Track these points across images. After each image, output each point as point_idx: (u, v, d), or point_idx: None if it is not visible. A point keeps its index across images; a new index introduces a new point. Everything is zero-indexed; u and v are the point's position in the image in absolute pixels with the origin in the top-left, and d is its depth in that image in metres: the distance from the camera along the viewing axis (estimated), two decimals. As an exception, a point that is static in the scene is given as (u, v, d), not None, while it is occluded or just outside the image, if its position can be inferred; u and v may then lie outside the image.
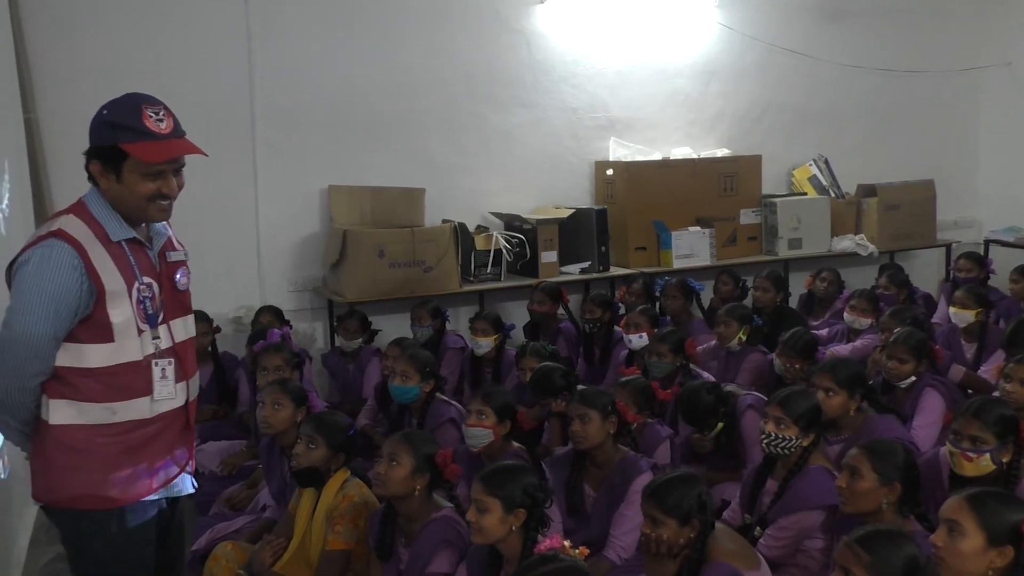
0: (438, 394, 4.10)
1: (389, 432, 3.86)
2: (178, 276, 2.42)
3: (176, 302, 2.41)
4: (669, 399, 3.96)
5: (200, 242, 5.36)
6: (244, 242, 5.57)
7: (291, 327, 5.13)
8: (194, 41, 5.29)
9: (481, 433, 3.46)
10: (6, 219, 3.86)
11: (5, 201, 3.90)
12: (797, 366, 4.16)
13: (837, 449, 3.47)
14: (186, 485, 2.50)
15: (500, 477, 2.65)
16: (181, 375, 2.38)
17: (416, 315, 5.24)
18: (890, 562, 2.17)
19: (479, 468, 3.19)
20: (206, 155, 2.28)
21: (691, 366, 4.39)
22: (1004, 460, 2.94)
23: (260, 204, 5.56)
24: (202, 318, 4.97)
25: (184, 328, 2.44)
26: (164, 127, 2.23)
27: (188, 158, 2.31)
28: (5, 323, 2.20)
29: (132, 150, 2.20)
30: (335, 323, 5.47)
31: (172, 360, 2.35)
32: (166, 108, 2.27)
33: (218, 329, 5.08)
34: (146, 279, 2.30)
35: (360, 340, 5.20)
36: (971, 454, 2.91)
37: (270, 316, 5.15)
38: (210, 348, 5.02)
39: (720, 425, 3.78)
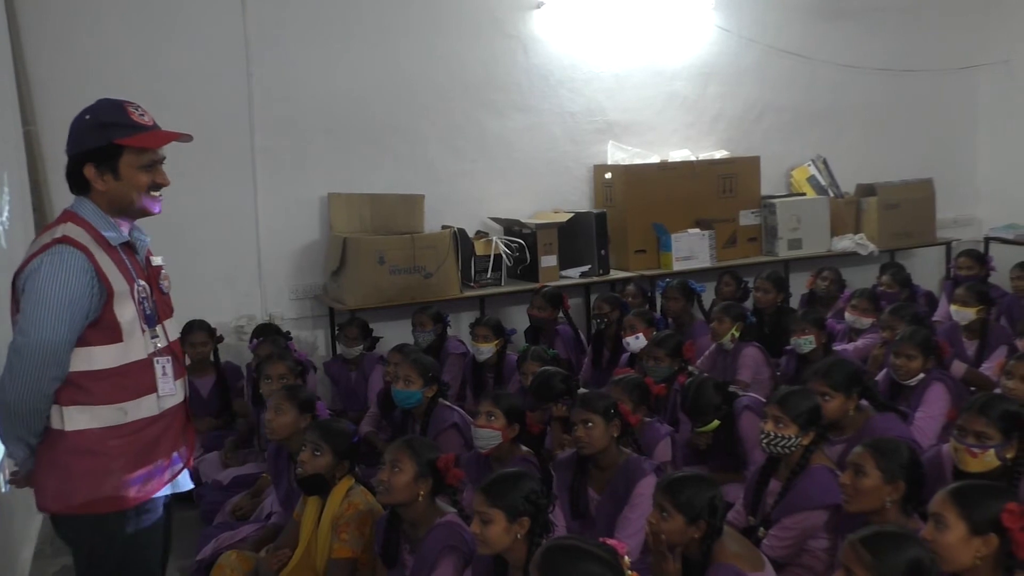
0: (441, 400, 4.10)
1: (392, 439, 3.86)
2: (161, 280, 2.53)
3: (163, 304, 2.51)
4: (663, 393, 3.96)
5: (200, 251, 5.41)
6: (244, 251, 5.57)
7: (292, 338, 5.12)
8: (193, 51, 5.30)
9: (490, 435, 3.46)
10: (6, 231, 3.86)
11: (5, 213, 3.90)
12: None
13: (839, 449, 3.46)
14: (187, 481, 2.56)
15: (501, 487, 2.63)
16: (179, 372, 2.49)
17: (417, 321, 5.23)
18: (893, 564, 2.14)
19: (487, 471, 3.19)
20: (191, 138, 2.41)
21: (690, 368, 4.39)
22: (1008, 456, 2.94)
23: (260, 213, 5.57)
24: (203, 327, 4.98)
25: (174, 329, 2.55)
26: (147, 119, 2.37)
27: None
28: (21, 331, 2.24)
29: (130, 142, 2.32)
30: (336, 331, 5.47)
31: (170, 358, 2.45)
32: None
33: (220, 339, 5.08)
34: (141, 281, 2.40)
35: (361, 347, 5.20)
36: (975, 449, 2.92)
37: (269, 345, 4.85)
38: (212, 358, 5.01)
39: (716, 423, 3.78)
